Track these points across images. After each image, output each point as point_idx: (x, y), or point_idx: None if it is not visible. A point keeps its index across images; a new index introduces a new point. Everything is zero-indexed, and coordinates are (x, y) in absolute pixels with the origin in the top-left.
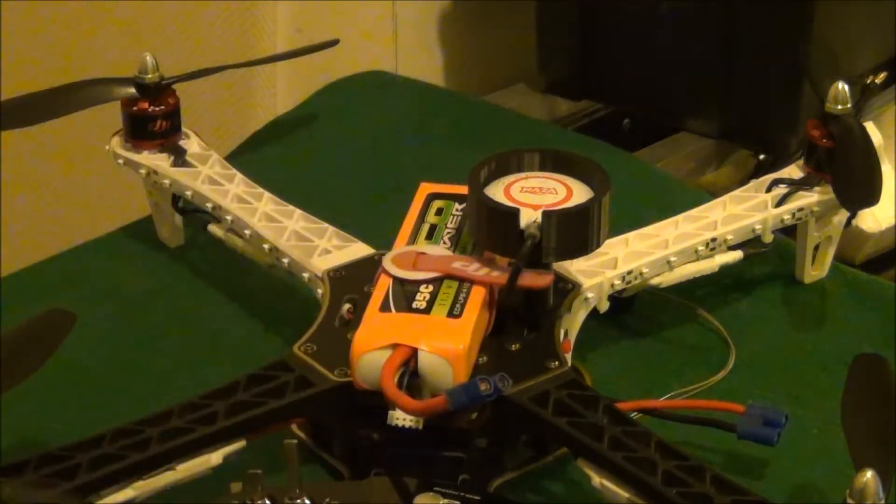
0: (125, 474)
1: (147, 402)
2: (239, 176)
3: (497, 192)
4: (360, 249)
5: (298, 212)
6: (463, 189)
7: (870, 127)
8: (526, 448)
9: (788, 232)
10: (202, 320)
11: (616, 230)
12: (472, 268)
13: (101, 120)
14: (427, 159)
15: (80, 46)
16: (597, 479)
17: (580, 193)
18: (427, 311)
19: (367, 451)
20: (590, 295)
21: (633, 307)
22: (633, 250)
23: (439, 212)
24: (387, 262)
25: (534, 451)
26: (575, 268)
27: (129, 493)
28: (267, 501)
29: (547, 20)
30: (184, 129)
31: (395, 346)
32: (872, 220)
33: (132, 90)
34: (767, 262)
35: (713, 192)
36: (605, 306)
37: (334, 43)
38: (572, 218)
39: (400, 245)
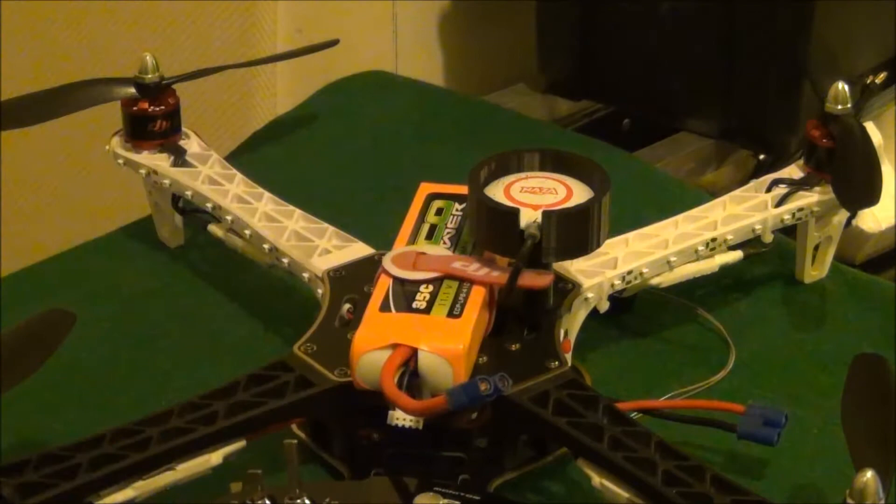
0: (125, 474)
1: (147, 402)
2: (239, 176)
3: (497, 192)
4: (360, 249)
5: (298, 212)
6: (463, 189)
7: (870, 127)
8: (526, 448)
9: (788, 232)
10: (202, 320)
11: (616, 230)
12: (472, 268)
13: (101, 120)
14: (427, 159)
15: (80, 46)
16: (597, 479)
17: (580, 193)
18: (427, 311)
19: (367, 451)
20: (590, 295)
21: (633, 307)
22: (633, 250)
23: (439, 212)
24: (387, 262)
25: (534, 451)
26: (575, 268)
27: (129, 493)
28: (267, 501)
29: (547, 20)
30: (184, 129)
31: (395, 346)
32: (872, 220)
33: (132, 90)
34: (767, 262)
35: (713, 192)
36: (605, 306)
37: (334, 43)
38: (572, 218)
39: (400, 245)
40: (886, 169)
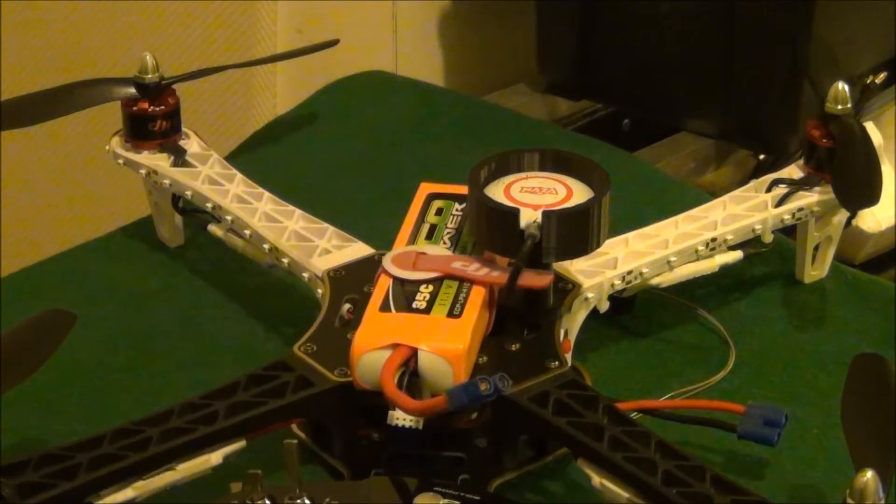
0: (125, 474)
1: (147, 402)
2: (239, 176)
3: (497, 192)
4: (360, 249)
5: (298, 212)
6: (463, 189)
7: (870, 127)
8: (526, 448)
9: (788, 232)
10: (202, 320)
11: (616, 230)
12: (472, 268)
13: (101, 120)
14: (427, 159)
15: (80, 46)
16: (597, 479)
17: (580, 193)
18: (427, 311)
19: (367, 451)
20: (590, 295)
21: (633, 307)
22: (633, 250)
23: (439, 212)
24: (387, 262)
25: (534, 451)
26: (575, 268)
27: (129, 493)
28: (267, 501)
29: (547, 20)
30: (184, 129)
31: (395, 346)
32: (872, 220)
33: (132, 90)
34: (767, 262)
35: (713, 192)
36: (605, 306)
37: (334, 43)
38: (572, 218)
39: (400, 245)
40: (886, 169)
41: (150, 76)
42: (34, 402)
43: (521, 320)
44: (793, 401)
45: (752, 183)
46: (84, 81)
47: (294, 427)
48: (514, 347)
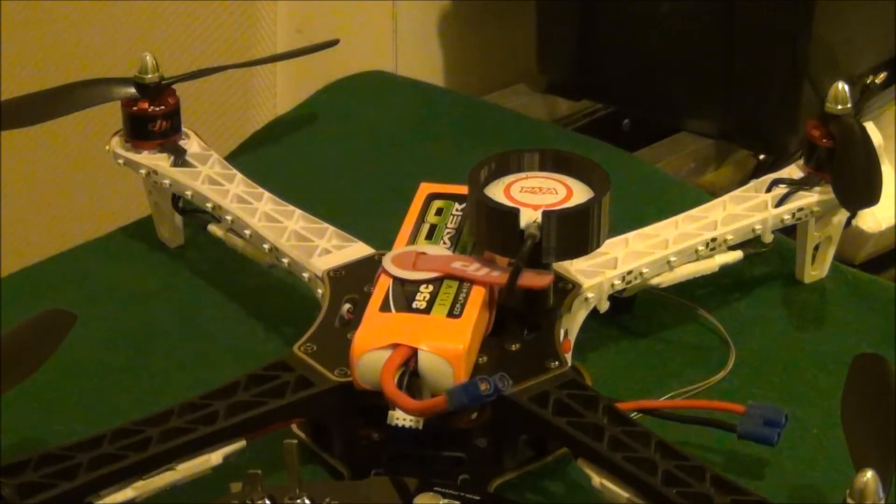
0: (125, 474)
1: (147, 402)
2: (239, 176)
3: (497, 192)
4: (360, 249)
5: (298, 212)
6: (463, 189)
7: (870, 127)
8: (526, 448)
9: (788, 232)
10: (202, 320)
11: (616, 230)
12: (472, 268)
13: (101, 120)
14: (427, 159)
15: (80, 46)
16: (597, 479)
17: (580, 193)
18: (427, 311)
19: (367, 451)
20: (590, 295)
21: (633, 307)
22: (633, 250)
23: (439, 212)
24: (387, 262)
25: (534, 451)
26: (575, 268)
27: (129, 493)
28: (267, 501)
29: (547, 20)
30: (184, 129)
31: (395, 346)
32: (872, 220)
33: (132, 90)
34: (767, 262)
35: (713, 192)
36: (605, 306)
37: (334, 43)
38: (572, 218)
39: (400, 245)
40: (886, 169)
41: (150, 76)
42: (34, 402)
43: (521, 320)
44: (793, 401)
45: (752, 183)
46: (84, 81)
47: (294, 427)
48: (514, 347)
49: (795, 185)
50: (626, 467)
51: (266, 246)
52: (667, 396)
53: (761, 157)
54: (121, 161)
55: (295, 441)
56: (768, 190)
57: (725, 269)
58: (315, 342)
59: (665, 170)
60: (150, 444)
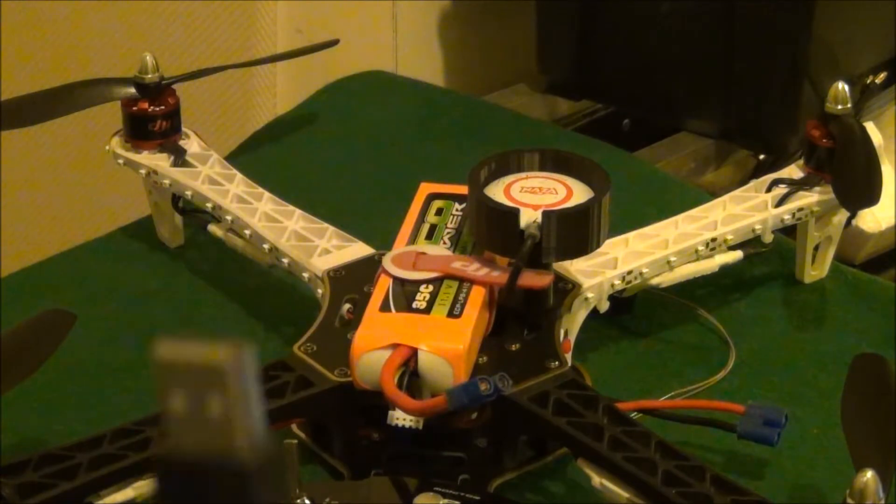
0: (125, 474)
1: (147, 402)
2: (239, 176)
3: (497, 192)
4: (360, 249)
5: (298, 212)
6: (463, 189)
7: (870, 127)
8: (526, 448)
9: (788, 232)
10: (202, 320)
11: (616, 230)
12: (472, 268)
13: (101, 120)
14: (427, 159)
15: (80, 46)
16: (597, 479)
17: (580, 193)
18: (427, 311)
19: (367, 451)
20: (590, 295)
21: (633, 307)
22: (633, 250)
23: (439, 212)
24: (387, 262)
25: (534, 451)
26: (575, 268)
27: (129, 493)
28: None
29: (547, 20)
30: (184, 129)
31: (395, 346)
32: (872, 220)
33: (132, 90)
34: (767, 262)
35: (713, 192)
36: (605, 306)
37: (334, 43)
38: (572, 218)
39: (400, 245)
40: (886, 169)
41: (150, 76)
42: (34, 402)
43: (521, 320)
44: (793, 401)
45: (752, 183)
46: (84, 81)
47: (294, 427)
48: (514, 347)
49: (795, 185)
50: (626, 467)
51: (266, 246)
52: (667, 396)
53: (761, 157)
54: (121, 161)
55: (295, 441)
56: (768, 190)
57: (725, 269)
58: (315, 342)
59: (665, 170)
60: (150, 444)
